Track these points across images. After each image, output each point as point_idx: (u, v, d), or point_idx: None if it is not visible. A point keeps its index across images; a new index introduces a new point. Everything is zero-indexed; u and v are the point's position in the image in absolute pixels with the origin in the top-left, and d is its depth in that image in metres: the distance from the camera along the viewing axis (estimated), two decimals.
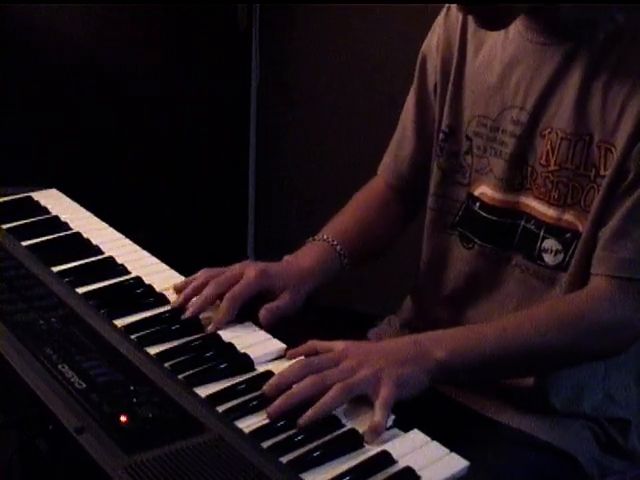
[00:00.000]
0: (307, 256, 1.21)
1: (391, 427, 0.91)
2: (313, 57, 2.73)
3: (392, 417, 0.92)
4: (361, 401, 0.94)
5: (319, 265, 1.20)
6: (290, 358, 1.02)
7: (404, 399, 0.94)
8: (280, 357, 1.04)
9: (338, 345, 0.99)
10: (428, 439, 0.89)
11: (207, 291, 1.10)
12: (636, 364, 1.20)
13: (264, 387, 0.94)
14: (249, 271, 1.13)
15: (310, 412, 0.89)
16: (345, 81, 2.67)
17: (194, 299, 1.11)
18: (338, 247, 1.24)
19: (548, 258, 1.14)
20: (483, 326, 1.09)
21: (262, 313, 1.10)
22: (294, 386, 0.93)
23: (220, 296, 1.11)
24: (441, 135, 1.26)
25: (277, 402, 0.91)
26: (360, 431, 0.89)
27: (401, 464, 0.85)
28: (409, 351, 0.98)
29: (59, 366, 0.96)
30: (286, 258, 1.20)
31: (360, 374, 0.93)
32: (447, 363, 0.99)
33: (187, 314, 1.09)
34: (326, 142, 2.76)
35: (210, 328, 1.07)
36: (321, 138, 2.77)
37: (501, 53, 1.19)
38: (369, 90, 2.62)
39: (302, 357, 1.00)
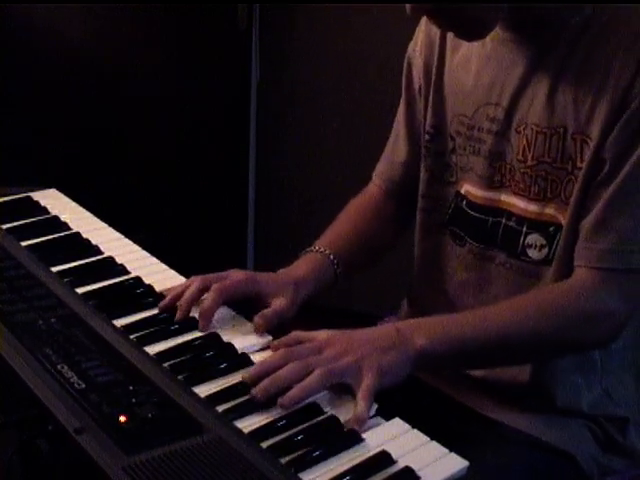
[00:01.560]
0: (300, 267, 1.22)
1: (384, 420, 0.91)
2: (313, 57, 2.73)
3: (375, 406, 0.93)
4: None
5: (312, 274, 1.21)
6: (274, 349, 1.02)
7: (386, 387, 0.95)
8: (266, 349, 1.05)
9: (320, 334, 1.00)
10: (427, 439, 0.89)
11: (192, 287, 1.11)
12: (634, 362, 1.21)
13: (244, 376, 0.95)
14: (238, 273, 1.14)
15: (291, 393, 0.91)
16: (345, 81, 2.67)
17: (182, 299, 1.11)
18: (331, 257, 1.24)
19: (533, 253, 1.14)
20: (465, 314, 1.10)
21: (256, 320, 1.09)
22: (277, 372, 0.94)
23: (206, 290, 1.11)
24: (426, 136, 1.28)
25: (262, 383, 0.92)
26: (360, 431, 0.89)
27: (401, 464, 0.85)
28: (391, 339, 0.99)
29: (58, 366, 0.96)
30: (279, 271, 1.21)
31: (342, 362, 0.94)
32: (428, 350, 0.99)
33: (178, 315, 1.09)
34: (326, 142, 2.76)
35: (201, 325, 1.07)
36: (321, 138, 2.77)
37: (477, 52, 1.21)
38: (369, 90, 2.62)
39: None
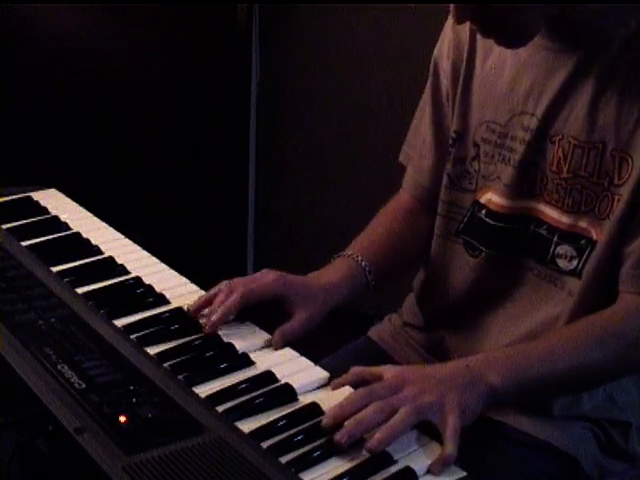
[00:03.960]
0: (332, 271, 1.20)
1: None
2: (313, 57, 2.73)
3: None
4: None
5: (344, 280, 1.19)
6: (335, 388, 0.99)
7: (465, 426, 0.93)
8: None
9: (388, 372, 0.97)
10: (428, 439, 0.89)
11: (219, 296, 1.10)
12: None
13: (323, 419, 0.90)
14: (268, 275, 1.13)
15: (379, 435, 0.87)
16: (345, 81, 2.67)
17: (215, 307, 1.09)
18: (363, 263, 1.23)
19: (562, 263, 1.13)
20: (529, 347, 1.07)
21: (275, 337, 1.08)
22: (360, 413, 0.90)
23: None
24: (449, 140, 1.25)
25: (346, 428, 0.88)
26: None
27: (401, 464, 0.85)
28: (464, 377, 0.97)
29: (59, 366, 0.96)
30: (311, 274, 1.19)
31: (425, 399, 0.92)
32: (501, 389, 0.98)
33: (212, 319, 1.07)
34: (326, 142, 2.76)
35: (214, 319, 1.06)
36: (321, 138, 2.77)
37: (511, 58, 1.17)
38: (369, 90, 2.62)
39: (359, 388, 0.95)
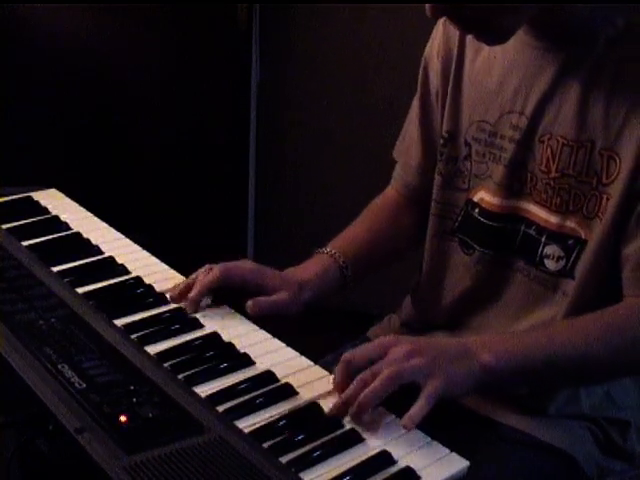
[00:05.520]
0: (307, 268, 1.22)
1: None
2: (313, 57, 2.73)
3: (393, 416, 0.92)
4: None
5: (317, 277, 1.21)
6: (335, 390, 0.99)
7: (449, 398, 0.94)
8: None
9: (382, 338, 0.99)
10: (428, 439, 0.89)
11: (200, 270, 1.16)
12: None
13: (327, 411, 0.93)
14: (247, 262, 1.19)
15: (361, 398, 0.90)
16: (345, 81, 2.67)
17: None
18: (341, 260, 1.24)
19: (550, 264, 1.13)
20: (529, 333, 1.09)
21: (248, 303, 1.12)
22: (348, 389, 0.92)
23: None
24: (440, 140, 1.26)
25: (335, 403, 0.92)
26: (360, 431, 0.89)
27: (401, 464, 0.85)
28: (457, 350, 0.98)
29: (59, 366, 0.96)
30: (286, 270, 1.22)
31: (412, 361, 0.93)
32: (493, 367, 0.98)
33: (191, 295, 1.12)
34: (326, 142, 2.76)
35: (192, 293, 1.12)
36: (321, 138, 2.77)
37: (500, 58, 1.18)
38: (369, 90, 2.62)
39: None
